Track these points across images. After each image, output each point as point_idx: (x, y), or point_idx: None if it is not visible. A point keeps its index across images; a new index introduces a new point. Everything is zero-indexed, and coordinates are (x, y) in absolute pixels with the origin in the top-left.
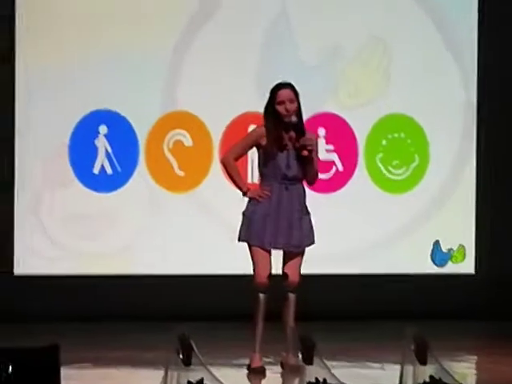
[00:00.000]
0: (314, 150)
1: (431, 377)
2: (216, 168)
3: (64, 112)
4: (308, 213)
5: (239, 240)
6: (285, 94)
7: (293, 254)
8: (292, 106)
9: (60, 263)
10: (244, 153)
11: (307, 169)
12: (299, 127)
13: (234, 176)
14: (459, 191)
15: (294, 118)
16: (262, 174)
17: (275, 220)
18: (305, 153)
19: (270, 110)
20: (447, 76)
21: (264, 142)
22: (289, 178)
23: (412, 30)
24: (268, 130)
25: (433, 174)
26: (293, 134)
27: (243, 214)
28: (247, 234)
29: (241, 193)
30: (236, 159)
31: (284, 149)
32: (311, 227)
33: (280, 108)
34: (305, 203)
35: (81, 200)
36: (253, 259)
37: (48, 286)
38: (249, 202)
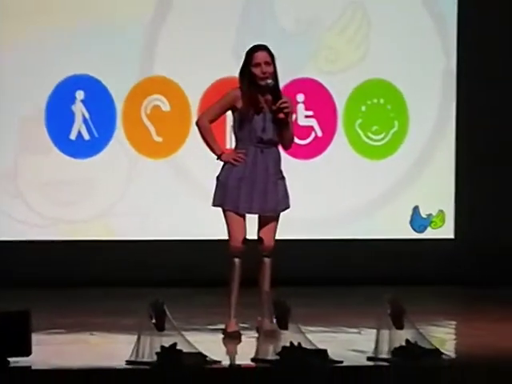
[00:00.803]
0: (290, 113)
1: (407, 341)
2: (194, 134)
3: (40, 77)
4: (283, 177)
5: (213, 205)
6: (261, 56)
7: (268, 218)
8: (268, 69)
9: (37, 229)
10: (219, 115)
11: (283, 132)
12: (275, 90)
13: (209, 139)
14: (438, 157)
15: (270, 81)
16: (237, 138)
17: (250, 184)
18: (281, 115)
19: (246, 72)
20: (427, 42)
21: (239, 104)
22: (264, 141)
23: None
24: (244, 93)
25: (412, 139)
26: (269, 96)
27: (217, 178)
28: (221, 198)
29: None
30: (211, 121)
31: (260, 112)
32: (286, 191)
33: (256, 70)
34: (280, 167)
35: (58, 166)
36: (227, 224)
37: (25, 251)
38: (223, 166)
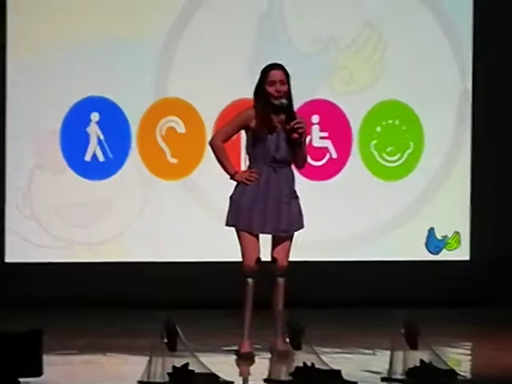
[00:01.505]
0: (303, 133)
1: (422, 361)
2: (209, 155)
3: (55, 99)
4: (297, 197)
5: (227, 225)
6: (276, 74)
7: (281, 238)
8: (283, 88)
9: (52, 251)
10: (233, 134)
11: (296, 152)
12: (289, 109)
13: (222, 158)
14: (454, 178)
15: (284, 100)
16: (250, 157)
17: (263, 204)
18: (295, 136)
19: (260, 91)
20: (443, 63)
21: (253, 123)
22: (278, 160)
23: (408, 17)
24: (257, 112)
25: (427, 160)
26: (283, 116)
27: (231, 197)
28: (235, 218)
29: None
30: (224, 141)
31: (273, 131)
32: (300, 211)
33: (270, 89)
34: (294, 187)
35: (73, 188)
36: (241, 244)
37: (39, 273)
38: (237, 185)
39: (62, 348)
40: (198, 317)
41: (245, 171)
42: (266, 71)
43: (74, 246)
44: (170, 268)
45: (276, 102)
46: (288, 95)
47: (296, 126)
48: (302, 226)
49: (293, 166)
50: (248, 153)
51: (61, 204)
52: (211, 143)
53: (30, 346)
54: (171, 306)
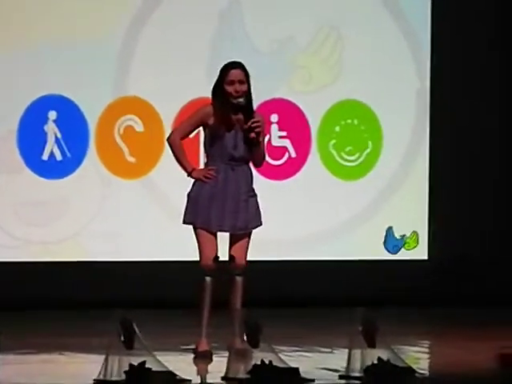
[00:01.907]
0: (261, 133)
1: (379, 359)
2: (167, 154)
3: (12, 98)
4: (255, 195)
5: (184, 222)
6: (235, 74)
7: (239, 236)
8: (242, 87)
9: (9, 250)
10: (190, 132)
11: (254, 151)
12: (248, 109)
13: (179, 155)
14: (412, 178)
15: (241, 100)
16: (208, 155)
17: (221, 202)
18: (252, 135)
19: (219, 90)
20: (401, 63)
21: (211, 121)
22: (235, 158)
23: (366, 17)
24: (216, 110)
25: (386, 160)
26: (241, 115)
27: (188, 195)
28: (192, 215)
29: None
30: (182, 138)
31: (231, 129)
32: (258, 209)
33: (229, 88)
34: (252, 185)
35: (30, 187)
36: (198, 242)
37: None
38: (194, 182)
39: (18, 347)
40: (155, 316)
41: (202, 169)
42: (225, 70)
43: (31, 245)
44: (128, 267)
45: (234, 101)
46: (247, 94)
47: (253, 125)
48: (259, 224)
49: (251, 165)
50: (206, 150)
51: (18, 203)
52: (169, 140)
53: None
54: (129, 305)
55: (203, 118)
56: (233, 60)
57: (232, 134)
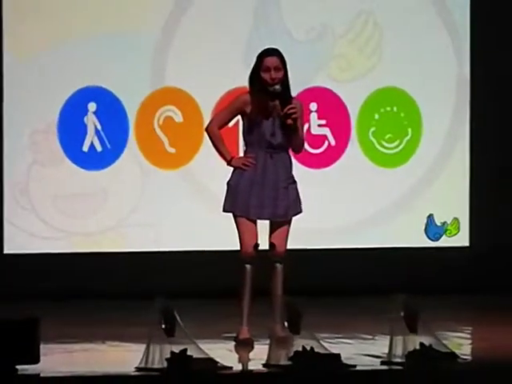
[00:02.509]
0: (298, 119)
1: (422, 344)
2: (207, 144)
3: (52, 90)
4: (294, 182)
5: (224, 210)
6: (271, 61)
7: (279, 224)
8: (278, 74)
9: (50, 242)
10: (228, 120)
11: (292, 137)
12: (284, 96)
13: (218, 145)
14: (453, 164)
15: (277, 87)
16: (246, 143)
17: (260, 189)
18: (289, 121)
19: (255, 77)
20: (440, 49)
21: (249, 109)
22: (274, 146)
23: (403, 3)
24: (253, 98)
25: (426, 147)
26: (277, 102)
27: (228, 183)
28: (232, 204)
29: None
30: (220, 127)
31: (269, 117)
32: (298, 196)
33: (265, 75)
34: (291, 172)
35: (71, 178)
36: (238, 230)
37: (38, 264)
38: (233, 171)
39: (61, 337)
40: (196, 305)
41: (241, 157)
42: (260, 57)
43: (73, 236)
44: (169, 257)
45: (270, 88)
46: (284, 81)
47: (289, 111)
48: (299, 211)
49: (290, 152)
50: (244, 139)
51: (58, 195)
52: (207, 129)
53: (27, 334)
54: (170, 294)
55: (241, 107)
56: (269, 47)
57: (270, 121)
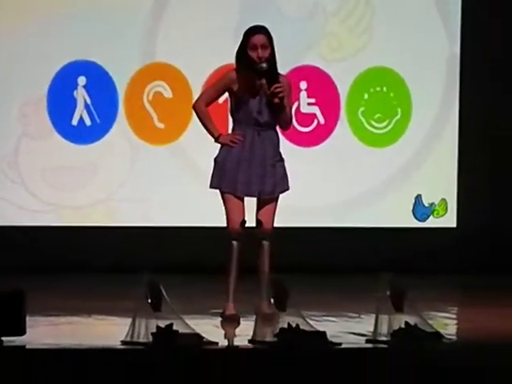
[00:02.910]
0: (285, 97)
1: (407, 323)
2: (196, 120)
3: (42, 63)
4: (282, 159)
5: (211, 187)
6: (258, 39)
7: (266, 201)
8: (264, 53)
9: (38, 215)
10: (215, 98)
11: (279, 115)
12: (271, 74)
13: (206, 122)
14: (441, 145)
15: (264, 65)
16: (234, 120)
17: (248, 166)
18: (276, 100)
19: (242, 55)
20: (430, 28)
21: (236, 87)
22: (261, 124)
23: None
24: (239, 76)
25: (415, 127)
26: (264, 80)
27: (215, 160)
28: (219, 180)
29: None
30: (208, 104)
31: (256, 95)
32: (285, 174)
33: (252, 54)
34: (278, 150)
35: (60, 152)
36: (225, 206)
37: (26, 237)
38: (221, 148)
39: (48, 309)
40: (183, 281)
41: (229, 134)
42: (247, 35)
43: (62, 209)
44: (157, 232)
45: (257, 66)
46: (271, 59)
47: (276, 90)
48: (286, 188)
49: (279, 129)
50: (232, 116)
51: (47, 168)
52: (194, 106)
53: (13, 306)
54: (157, 270)
55: (227, 84)
56: (256, 24)
57: (257, 99)
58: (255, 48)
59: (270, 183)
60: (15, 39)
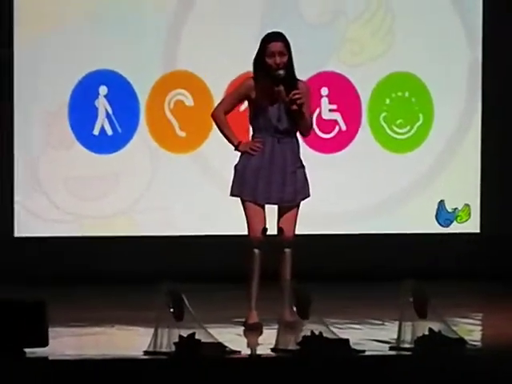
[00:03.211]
0: (304, 103)
1: (430, 330)
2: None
3: (63, 72)
4: (302, 166)
5: (231, 194)
6: (275, 46)
7: (287, 208)
8: (282, 59)
9: (61, 225)
10: (234, 106)
11: (298, 122)
12: (289, 80)
13: (225, 130)
14: (464, 150)
15: (282, 72)
16: (253, 128)
17: (268, 174)
18: (294, 107)
19: (259, 63)
20: (452, 33)
21: (254, 95)
22: (280, 131)
23: None
24: (257, 83)
25: (437, 132)
26: (282, 87)
27: (235, 167)
28: (239, 188)
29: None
30: (226, 112)
31: (274, 102)
32: (306, 180)
33: (269, 61)
34: (299, 156)
35: (81, 162)
36: (246, 214)
37: (48, 248)
38: (241, 155)
39: (70, 320)
40: (206, 290)
41: (249, 142)
42: (264, 42)
43: (83, 219)
44: (179, 242)
45: (274, 73)
46: (288, 66)
47: (294, 97)
48: (307, 196)
49: (298, 135)
50: (251, 124)
51: (69, 178)
52: (213, 115)
53: (34, 317)
54: (180, 279)
55: (245, 92)
56: (273, 31)
57: (275, 106)
58: (272, 55)
59: (291, 191)
60: (37, 49)
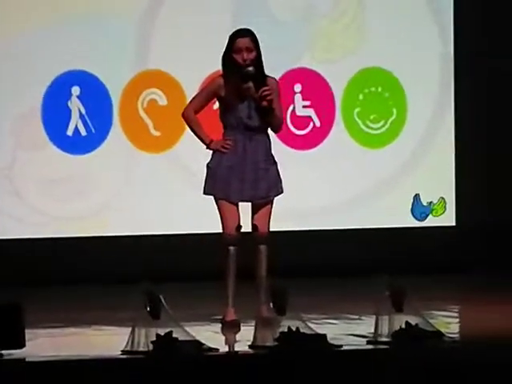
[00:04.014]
0: (274, 99)
1: (407, 323)
2: None
3: (35, 74)
4: (275, 162)
5: (204, 193)
6: (242, 42)
7: (261, 205)
8: (250, 55)
9: (34, 227)
10: (204, 105)
11: (269, 119)
12: (258, 77)
13: (196, 129)
14: (438, 144)
15: (250, 69)
16: (224, 126)
17: (240, 171)
18: (264, 104)
19: (227, 59)
20: (423, 28)
21: (223, 92)
22: (251, 128)
23: None
24: (226, 81)
25: (411, 127)
26: (251, 84)
27: (207, 166)
28: (212, 186)
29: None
30: (196, 112)
31: (244, 99)
32: (278, 177)
33: (237, 57)
34: (271, 153)
35: (55, 163)
36: (220, 212)
37: (23, 249)
38: (213, 154)
39: (46, 322)
40: (182, 289)
41: (220, 140)
42: (232, 38)
43: (58, 221)
44: (155, 241)
45: (242, 70)
46: (257, 62)
47: (264, 93)
48: (280, 192)
49: (273, 133)
50: (222, 121)
51: (43, 179)
52: (183, 115)
53: (10, 319)
54: (155, 278)
55: (214, 90)
56: (240, 27)
57: (245, 104)
58: (240, 51)
59: (264, 187)
60: (7, 51)
